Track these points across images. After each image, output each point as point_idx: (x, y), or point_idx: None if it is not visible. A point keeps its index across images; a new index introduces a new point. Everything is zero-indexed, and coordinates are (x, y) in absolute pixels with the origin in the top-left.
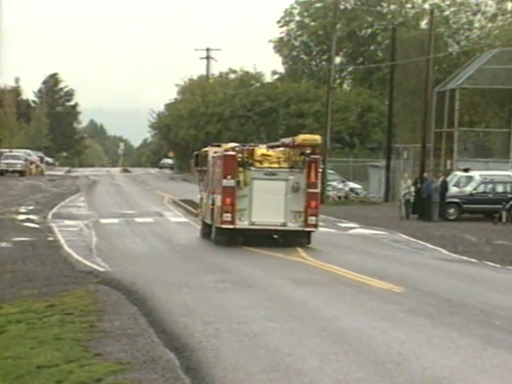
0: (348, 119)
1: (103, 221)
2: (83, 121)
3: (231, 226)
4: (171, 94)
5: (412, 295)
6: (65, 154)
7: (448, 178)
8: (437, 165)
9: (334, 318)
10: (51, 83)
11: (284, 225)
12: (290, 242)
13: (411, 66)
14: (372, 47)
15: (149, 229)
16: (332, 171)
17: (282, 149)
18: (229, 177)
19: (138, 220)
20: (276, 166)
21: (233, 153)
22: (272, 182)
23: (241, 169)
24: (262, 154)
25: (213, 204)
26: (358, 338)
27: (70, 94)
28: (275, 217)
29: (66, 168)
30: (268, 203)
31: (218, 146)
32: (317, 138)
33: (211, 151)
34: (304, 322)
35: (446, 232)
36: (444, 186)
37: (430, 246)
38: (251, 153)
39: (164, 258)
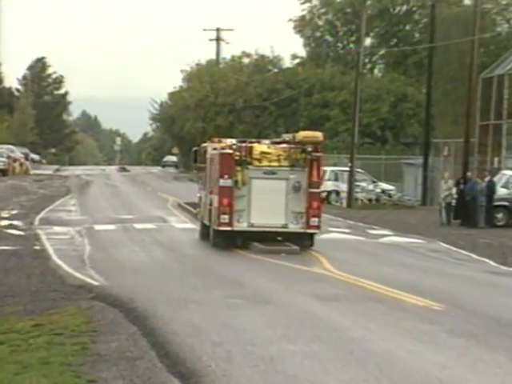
0: (379, 110)
1: (97, 227)
2: (74, 112)
3: (229, 228)
4: (176, 82)
5: (453, 313)
6: (53, 150)
7: (495, 178)
8: (482, 163)
9: (363, 339)
10: (38, 69)
11: (285, 226)
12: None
13: (453, 49)
14: (407, 27)
15: (150, 236)
16: (361, 170)
17: (282, 146)
18: (226, 176)
19: (138, 226)
20: (276, 164)
21: (230, 151)
22: (272, 182)
23: (239, 168)
24: (262, 152)
25: (210, 204)
26: (391, 363)
27: (59, 82)
28: (275, 218)
29: (55, 166)
30: (268, 204)
31: (219, 141)
32: (318, 134)
33: (210, 147)
34: (328, 343)
35: (494, 240)
36: (491, 188)
37: (474, 256)
38: (250, 150)
39: (168, 269)
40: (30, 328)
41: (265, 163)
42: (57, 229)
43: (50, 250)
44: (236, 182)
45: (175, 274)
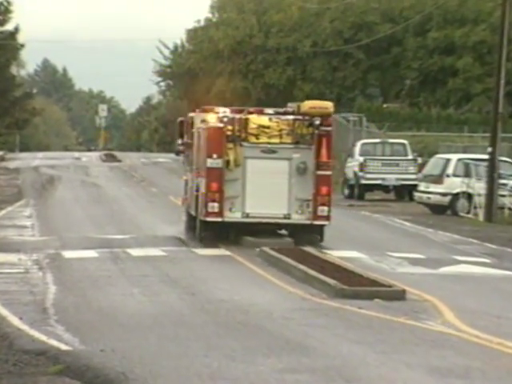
0: None
1: (68, 254)
2: (29, 62)
3: (219, 219)
4: (199, 12)
5: None
6: None
7: None
8: None
9: None
10: None
11: (287, 217)
12: (297, 238)
13: None
14: None
15: (156, 269)
16: (509, 159)
17: (286, 118)
18: (215, 156)
19: (136, 253)
20: (277, 141)
21: (220, 125)
22: (271, 162)
23: (231, 145)
24: (259, 126)
25: (197, 190)
26: None
27: (2, 11)
28: (276, 207)
29: None
30: (266, 189)
31: (211, 110)
32: (328, 105)
33: (198, 118)
34: None
35: None
36: None
37: None
38: (244, 124)
39: (185, 325)
40: None
41: (263, 139)
42: (0, 257)
43: None
44: (227, 163)
45: (197, 333)
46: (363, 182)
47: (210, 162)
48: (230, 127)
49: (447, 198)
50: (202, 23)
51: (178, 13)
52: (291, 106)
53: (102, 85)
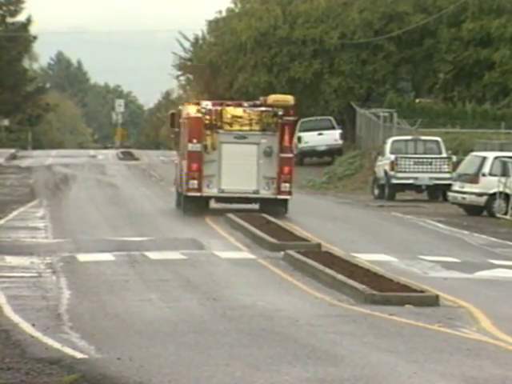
0: None
1: (83, 257)
2: (42, 55)
3: (198, 194)
4: (221, 3)
5: None
6: (6, 121)
7: None
8: None
9: None
10: None
11: (256, 192)
12: (265, 211)
13: None
14: None
15: (175, 274)
16: None
17: (255, 110)
18: (194, 141)
19: (155, 256)
20: (247, 128)
21: (198, 115)
22: (242, 146)
23: (208, 132)
24: (233, 116)
25: (182, 171)
26: None
27: (15, 2)
28: (246, 183)
29: (9, 151)
30: (238, 169)
31: (197, 103)
32: (289, 98)
33: (185, 111)
34: None
35: None
36: None
37: None
38: (220, 114)
39: (206, 332)
40: None
41: (236, 127)
42: (11, 260)
43: (1, 298)
44: (205, 147)
45: (219, 341)
46: (394, 181)
47: (190, 146)
48: (207, 117)
49: (483, 199)
50: (224, 14)
51: (199, 3)
52: (260, 100)
53: (118, 79)
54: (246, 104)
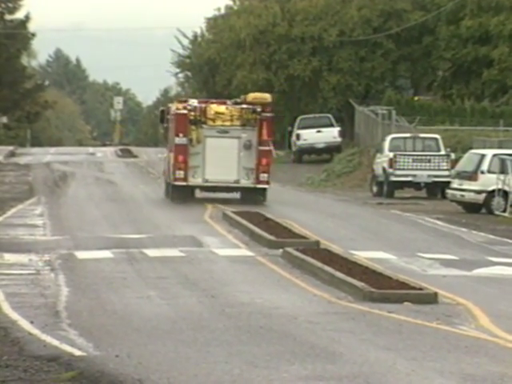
0: None
1: (82, 255)
2: (41, 53)
3: (184, 183)
4: (219, 1)
5: None
6: (4, 118)
7: None
8: None
9: None
10: None
11: (237, 182)
12: (245, 199)
13: None
14: None
15: (174, 271)
16: None
17: (237, 107)
18: (181, 135)
19: (153, 253)
20: (229, 124)
21: (184, 111)
22: (224, 140)
23: (193, 127)
24: (216, 112)
25: (169, 163)
26: None
27: None
28: (228, 174)
29: (8, 148)
30: (221, 160)
31: (185, 101)
32: (267, 96)
33: (173, 107)
34: None
35: None
36: None
37: None
38: (204, 111)
39: (204, 329)
40: None
41: (218, 123)
42: (10, 257)
43: None
44: (191, 140)
45: (217, 338)
46: (393, 178)
47: (177, 140)
48: (193, 113)
49: (482, 196)
50: (223, 11)
51: (197, 0)
52: (240, 98)
53: (117, 76)
54: (228, 102)
